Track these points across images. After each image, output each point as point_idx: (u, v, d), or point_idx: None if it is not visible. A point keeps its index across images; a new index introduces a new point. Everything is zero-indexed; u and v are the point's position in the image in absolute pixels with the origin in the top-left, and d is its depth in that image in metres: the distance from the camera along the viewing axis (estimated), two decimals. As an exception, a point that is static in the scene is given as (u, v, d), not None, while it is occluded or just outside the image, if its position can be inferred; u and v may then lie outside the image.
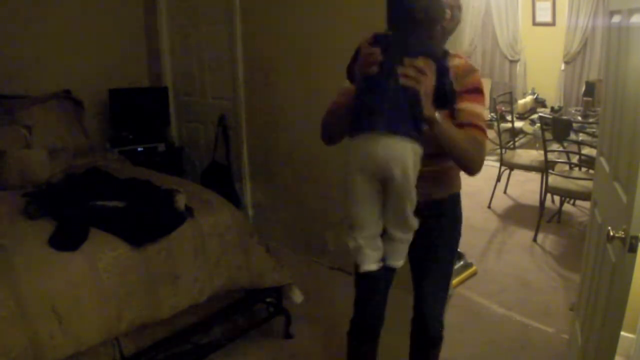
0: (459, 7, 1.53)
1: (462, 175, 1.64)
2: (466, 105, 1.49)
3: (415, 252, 1.67)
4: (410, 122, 1.33)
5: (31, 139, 2.83)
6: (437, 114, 1.36)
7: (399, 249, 1.50)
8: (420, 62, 1.31)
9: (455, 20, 1.53)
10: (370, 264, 1.48)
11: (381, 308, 1.75)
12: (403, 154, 1.33)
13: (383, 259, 1.50)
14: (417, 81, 1.30)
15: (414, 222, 1.45)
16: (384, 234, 1.50)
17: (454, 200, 1.70)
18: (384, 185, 1.39)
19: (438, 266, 1.71)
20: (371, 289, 1.70)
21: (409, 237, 1.49)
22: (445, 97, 1.38)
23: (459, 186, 1.69)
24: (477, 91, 1.52)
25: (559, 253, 3.48)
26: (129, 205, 2.19)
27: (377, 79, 1.34)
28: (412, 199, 1.40)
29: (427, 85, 1.31)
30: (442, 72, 1.36)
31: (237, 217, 2.40)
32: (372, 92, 1.35)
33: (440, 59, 1.37)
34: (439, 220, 1.65)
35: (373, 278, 1.61)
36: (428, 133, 1.37)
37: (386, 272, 1.59)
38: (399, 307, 1.82)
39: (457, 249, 1.80)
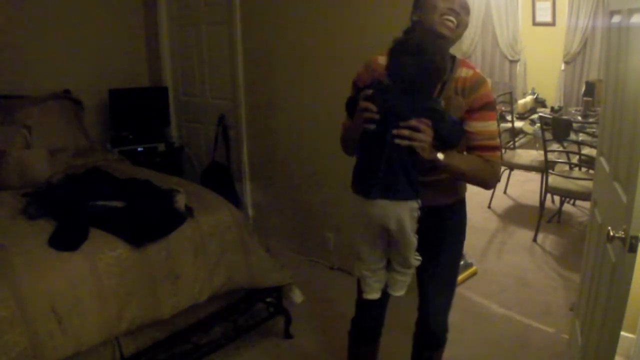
0: (468, 11, 1.49)
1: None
2: (476, 126, 1.48)
3: (421, 257, 1.68)
4: (406, 184, 1.38)
5: (31, 139, 2.83)
6: (439, 154, 1.39)
7: (401, 281, 1.56)
8: (413, 122, 1.32)
9: (464, 26, 1.48)
10: (373, 293, 1.58)
11: (382, 310, 1.76)
12: (399, 213, 1.40)
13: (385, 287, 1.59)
14: (411, 139, 1.32)
15: (415, 262, 1.53)
16: (389, 265, 1.57)
17: (459, 206, 1.68)
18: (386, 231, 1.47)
19: (443, 271, 1.71)
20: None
21: (411, 272, 1.56)
22: (444, 140, 1.40)
23: (463, 192, 1.68)
24: (487, 107, 1.49)
25: (559, 253, 3.48)
26: (129, 205, 2.19)
27: (375, 137, 1.37)
28: (410, 244, 1.47)
29: (423, 139, 1.33)
30: (437, 117, 1.37)
31: (237, 217, 2.40)
32: (369, 152, 1.40)
33: (435, 107, 1.39)
34: (444, 226, 1.64)
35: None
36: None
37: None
38: (401, 308, 1.82)
39: (461, 254, 1.81)
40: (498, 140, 1.52)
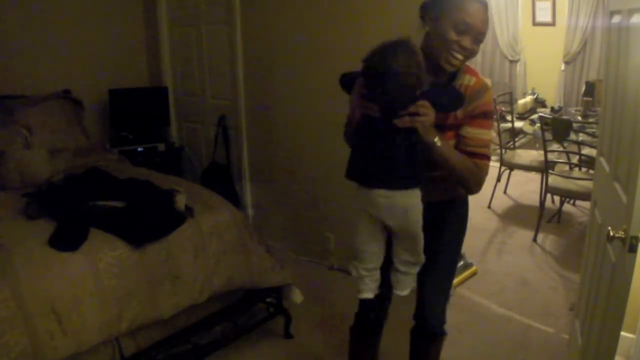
0: (481, 40, 1.43)
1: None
2: (470, 132, 1.49)
3: (437, 245, 1.68)
4: (408, 172, 1.37)
5: (31, 139, 2.83)
6: (437, 139, 1.37)
7: (405, 280, 1.56)
8: (412, 108, 1.31)
9: (471, 56, 1.46)
10: (368, 293, 1.58)
11: (385, 304, 1.76)
12: (403, 203, 1.40)
13: (385, 287, 1.61)
14: (413, 122, 1.31)
15: (422, 258, 1.51)
16: (391, 266, 1.56)
17: (459, 204, 1.68)
18: (388, 226, 1.47)
19: (441, 270, 1.72)
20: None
21: (415, 270, 1.54)
22: (445, 108, 1.40)
23: (462, 190, 1.67)
24: (484, 115, 1.49)
25: (559, 253, 3.48)
26: (129, 205, 2.19)
27: (375, 125, 1.35)
28: (417, 236, 1.46)
29: (428, 121, 1.33)
30: (437, 92, 1.36)
31: (237, 217, 2.40)
32: (369, 139, 1.37)
33: (435, 82, 1.40)
34: (442, 223, 1.64)
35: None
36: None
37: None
38: (401, 305, 1.81)
39: (460, 250, 1.81)
40: (489, 150, 1.52)
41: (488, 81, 6.43)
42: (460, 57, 1.41)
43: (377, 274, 1.57)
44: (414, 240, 1.48)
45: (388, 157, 1.35)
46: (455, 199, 1.66)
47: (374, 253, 1.54)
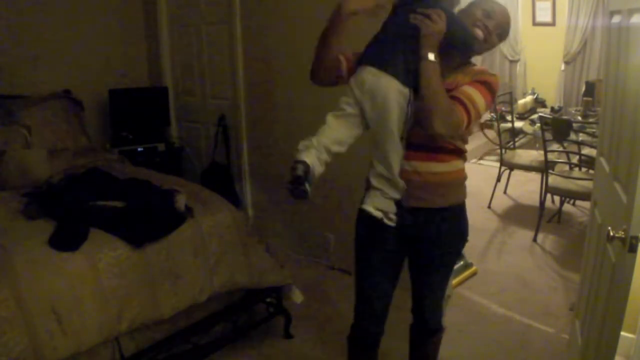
0: (502, 37, 1.58)
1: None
2: (467, 88, 1.49)
3: (415, 256, 1.69)
4: (402, 68, 1.43)
5: (31, 139, 2.83)
6: (432, 55, 1.40)
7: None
8: (429, 11, 1.39)
9: (490, 45, 1.57)
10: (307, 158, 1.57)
11: (381, 319, 1.74)
12: (386, 88, 1.43)
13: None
14: (424, 23, 1.38)
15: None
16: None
17: (457, 211, 1.66)
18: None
19: (438, 280, 1.72)
20: (371, 299, 1.71)
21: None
22: (456, 42, 1.46)
23: (462, 197, 1.66)
24: (483, 83, 1.51)
25: (559, 253, 3.48)
26: (129, 205, 2.19)
27: (390, 22, 1.49)
28: (391, 133, 1.47)
29: (433, 28, 1.38)
30: (452, 20, 1.43)
31: (237, 217, 2.40)
32: (384, 33, 1.49)
33: (450, 10, 1.46)
34: (439, 233, 1.61)
35: (372, 288, 1.68)
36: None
37: (387, 287, 1.68)
38: (399, 307, 1.82)
39: (458, 256, 1.81)
40: (472, 108, 1.46)
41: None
42: (481, 34, 1.52)
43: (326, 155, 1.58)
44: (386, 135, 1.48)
45: (390, 43, 1.46)
46: (452, 207, 1.63)
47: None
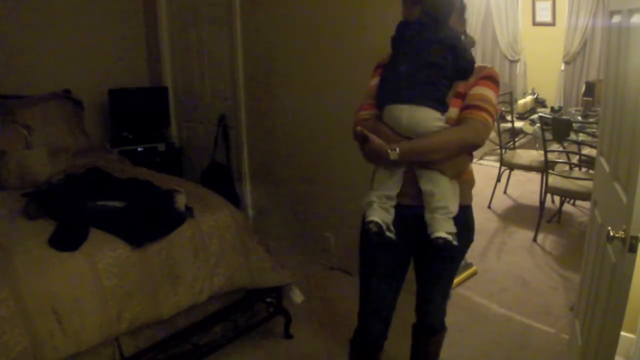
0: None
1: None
2: (476, 90, 1.51)
3: (422, 258, 1.69)
4: (430, 95, 1.47)
5: (31, 139, 2.82)
6: (396, 152, 1.44)
7: (440, 220, 1.51)
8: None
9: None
10: (374, 216, 1.52)
11: (386, 324, 1.74)
12: (425, 118, 1.46)
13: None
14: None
15: (454, 209, 1.51)
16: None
17: (462, 212, 1.61)
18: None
19: (448, 275, 1.75)
20: (376, 304, 1.70)
21: (448, 216, 1.51)
22: (461, 71, 1.50)
23: (468, 199, 1.65)
24: (490, 78, 1.53)
25: (559, 253, 3.48)
26: (129, 205, 2.19)
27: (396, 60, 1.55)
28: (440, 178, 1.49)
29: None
30: (459, 52, 1.48)
31: (237, 217, 2.40)
32: (393, 72, 1.54)
33: (456, 43, 1.50)
34: (463, 227, 1.58)
35: (378, 293, 1.68)
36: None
37: (393, 292, 1.68)
38: (400, 308, 1.81)
39: (463, 256, 1.82)
40: (489, 106, 1.49)
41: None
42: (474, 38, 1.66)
43: (389, 206, 1.55)
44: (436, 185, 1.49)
45: (408, 77, 1.50)
46: (469, 203, 1.65)
47: (390, 181, 1.55)
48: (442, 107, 1.48)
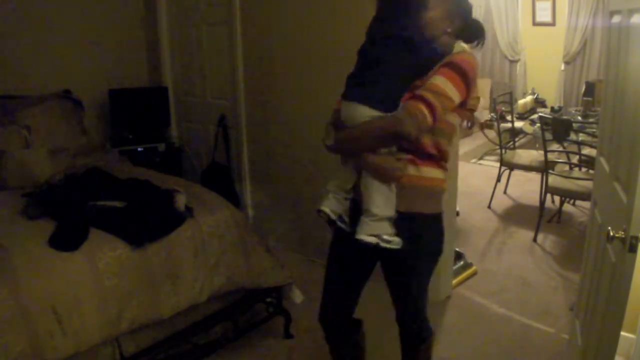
0: (460, 16, 1.53)
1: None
2: (431, 80, 1.44)
3: (390, 267, 1.66)
4: (370, 93, 1.45)
5: (31, 139, 2.82)
6: (331, 138, 1.53)
7: (364, 223, 1.51)
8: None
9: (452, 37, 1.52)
10: (324, 206, 1.61)
11: (343, 314, 1.73)
12: (354, 114, 1.46)
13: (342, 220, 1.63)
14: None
15: (376, 210, 1.49)
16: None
17: (434, 221, 1.59)
18: None
19: (411, 292, 1.67)
20: (334, 289, 1.77)
21: (374, 220, 1.50)
22: (420, 66, 1.45)
23: (434, 206, 1.58)
24: (449, 65, 1.44)
25: (559, 253, 3.48)
26: (129, 205, 2.19)
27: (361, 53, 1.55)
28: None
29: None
30: (409, 47, 1.42)
31: (237, 217, 2.40)
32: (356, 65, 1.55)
33: (408, 37, 1.43)
34: (416, 244, 1.55)
35: (331, 279, 1.76)
36: None
37: (345, 284, 1.72)
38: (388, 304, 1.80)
39: (433, 269, 1.68)
40: (431, 95, 1.40)
41: (488, 81, 6.44)
42: (447, 39, 1.54)
43: (341, 199, 1.59)
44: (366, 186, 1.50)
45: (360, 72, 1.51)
46: (432, 215, 1.57)
47: (345, 174, 1.59)
48: (383, 105, 1.42)
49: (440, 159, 1.54)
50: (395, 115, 1.42)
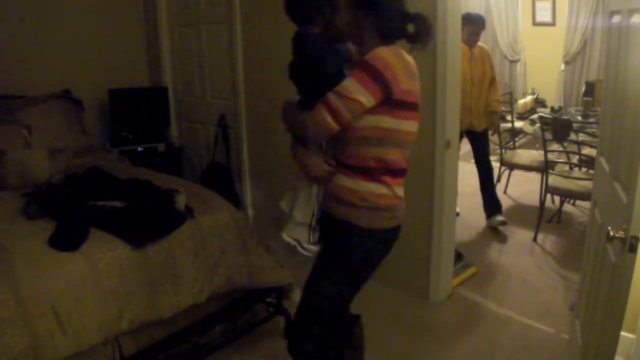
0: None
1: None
2: (343, 81, 1.40)
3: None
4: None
5: (31, 139, 2.83)
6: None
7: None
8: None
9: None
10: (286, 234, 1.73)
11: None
12: None
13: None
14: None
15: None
16: None
17: (351, 230, 1.50)
18: None
19: (317, 278, 1.62)
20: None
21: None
22: (312, 65, 1.48)
23: (368, 222, 1.48)
24: (361, 65, 1.39)
25: (559, 253, 3.48)
26: (129, 205, 2.19)
27: None
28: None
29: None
30: (302, 42, 1.49)
31: (237, 217, 2.40)
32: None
33: (303, 31, 1.47)
34: (332, 239, 1.56)
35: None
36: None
37: None
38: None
39: (346, 277, 1.58)
40: (333, 97, 1.38)
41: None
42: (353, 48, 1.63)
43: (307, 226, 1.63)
44: None
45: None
46: (348, 224, 1.50)
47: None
48: (301, 105, 1.48)
49: (380, 172, 1.45)
50: (303, 120, 1.46)
